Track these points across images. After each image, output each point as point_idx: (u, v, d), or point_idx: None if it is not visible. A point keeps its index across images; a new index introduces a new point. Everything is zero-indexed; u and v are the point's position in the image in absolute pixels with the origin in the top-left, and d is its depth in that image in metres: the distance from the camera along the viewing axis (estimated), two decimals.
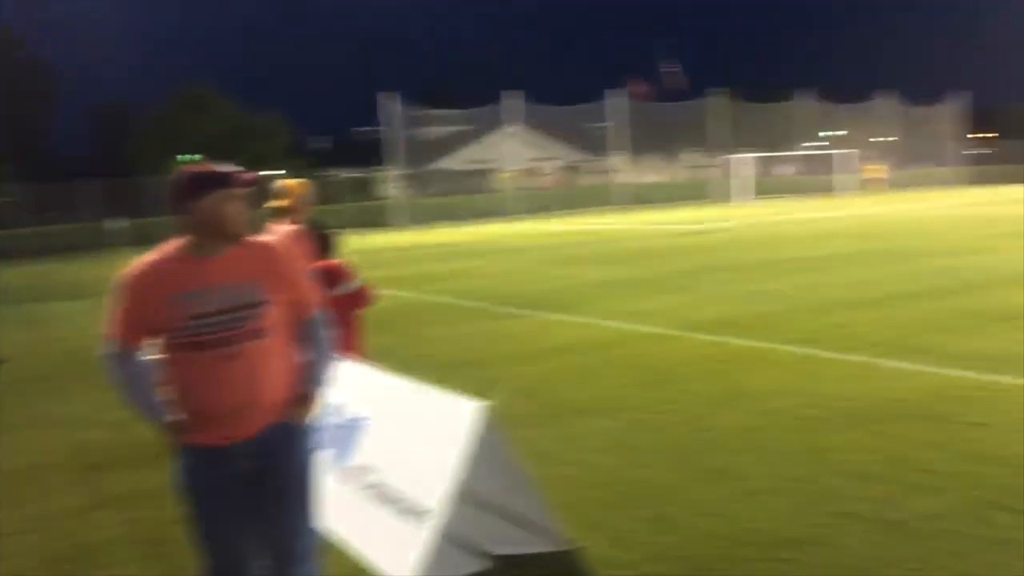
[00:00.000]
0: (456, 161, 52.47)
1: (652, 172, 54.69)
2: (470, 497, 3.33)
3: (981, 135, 73.61)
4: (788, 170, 58.56)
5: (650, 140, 50.20)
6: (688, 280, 12.63)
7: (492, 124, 46.46)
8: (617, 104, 47.24)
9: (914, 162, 59.12)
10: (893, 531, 3.55)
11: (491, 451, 3.30)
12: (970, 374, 6.05)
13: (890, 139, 58.89)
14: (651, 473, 4.48)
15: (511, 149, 47.11)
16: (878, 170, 54.70)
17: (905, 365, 6.45)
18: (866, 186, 53.05)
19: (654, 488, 4.26)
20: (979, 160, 65.69)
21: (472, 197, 43.17)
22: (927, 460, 4.36)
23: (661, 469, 4.52)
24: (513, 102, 42.90)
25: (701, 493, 4.14)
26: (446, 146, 51.67)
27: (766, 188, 50.21)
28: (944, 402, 5.42)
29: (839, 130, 59.93)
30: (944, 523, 3.59)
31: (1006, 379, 5.86)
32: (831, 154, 54.95)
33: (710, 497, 4.07)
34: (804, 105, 55.39)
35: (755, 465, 4.47)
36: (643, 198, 45.66)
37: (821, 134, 60.50)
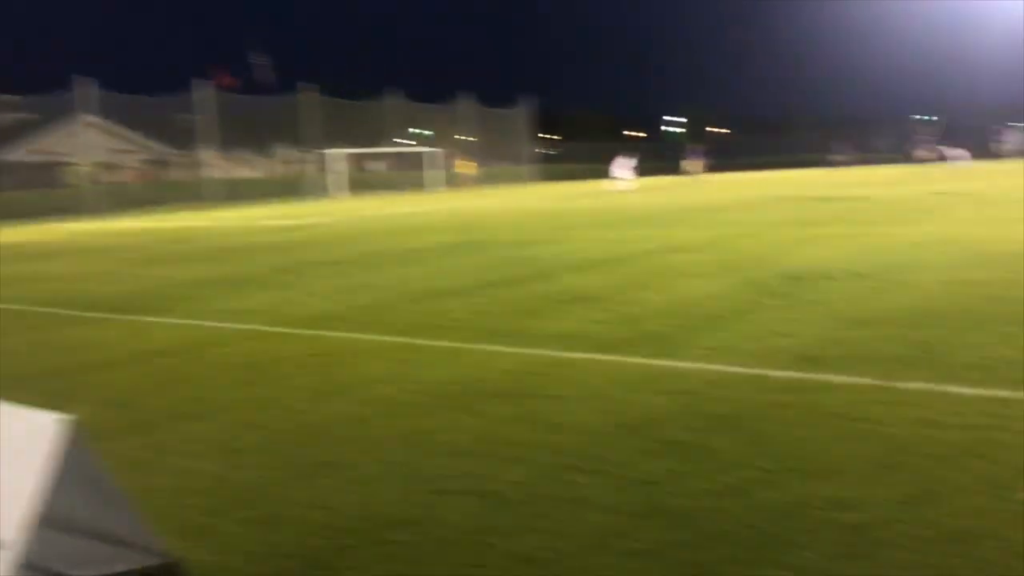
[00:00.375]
0: (20, 152, 47.03)
1: (245, 167, 53.29)
2: (53, 520, 3.02)
3: (549, 136, 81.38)
4: (380, 166, 60.27)
5: (242, 134, 48.88)
6: (287, 276, 12.52)
7: (63, 113, 42.40)
8: (205, 96, 45.45)
9: (494, 160, 63.71)
10: (488, 501, 3.82)
11: (76, 467, 3.02)
12: (547, 352, 6.68)
13: (471, 139, 62.95)
14: (256, 473, 4.38)
15: (87, 140, 43.31)
16: (470, 167, 58.29)
17: (493, 348, 6.95)
18: (458, 182, 56.13)
19: (260, 488, 4.18)
20: (548, 159, 72.64)
21: (42, 192, 39.02)
22: (514, 433, 4.74)
23: (267, 468, 4.45)
24: (87, 89, 39.45)
25: (309, 487, 4.13)
26: (6, 135, 46.06)
27: (361, 184, 51.12)
28: (527, 379, 5.92)
29: (426, 129, 62.84)
30: (531, 489, 3.93)
31: (577, 355, 6.54)
32: (421, 152, 57.40)
33: (318, 490, 4.08)
34: (393, 104, 57.20)
35: (360, 453, 4.56)
36: (237, 194, 44.39)
37: (410, 131, 62.97)
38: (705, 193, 34.29)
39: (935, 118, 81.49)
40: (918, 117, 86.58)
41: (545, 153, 74.79)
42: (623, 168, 42.27)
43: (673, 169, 58.54)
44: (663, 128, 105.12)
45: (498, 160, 63.95)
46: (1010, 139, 58.82)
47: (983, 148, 58.98)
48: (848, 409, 4.83)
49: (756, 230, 16.17)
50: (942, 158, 49.51)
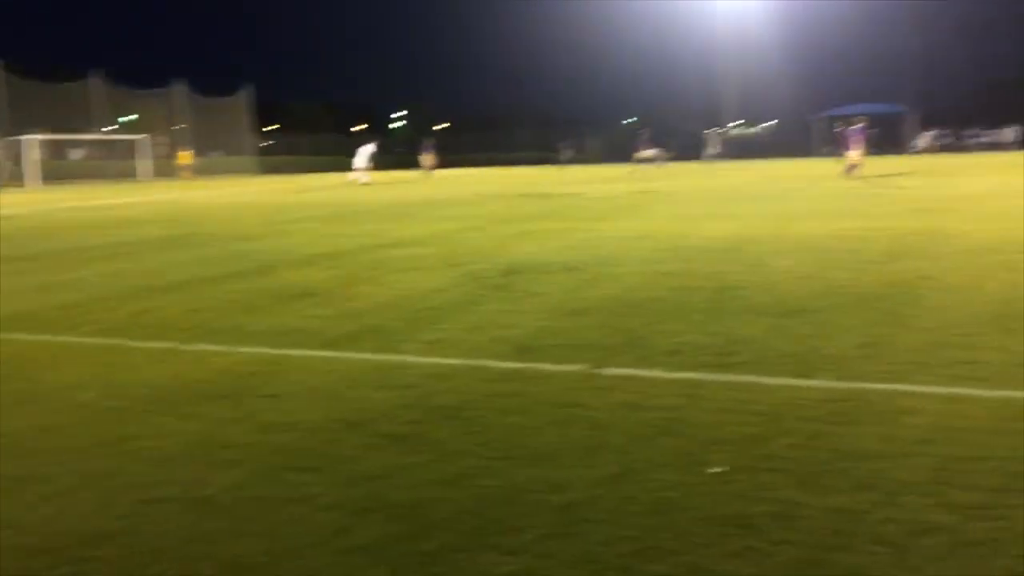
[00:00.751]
0: None
1: None
2: None
3: (269, 128, 79.20)
4: (84, 155, 55.85)
5: None
6: None
7: None
8: None
9: (213, 150, 61.06)
10: (201, 507, 3.63)
11: None
12: (266, 350, 6.47)
13: (187, 127, 59.98)
14: None
15: None
16: (186, 157, 55.45)
17: (207, 347, 6.62)
18: (174, 172, 53.27)
19: None
20: (268, 151, 70.66)
21: None
22: (228, 435, 4.54)
23: None
24: None
25: None
26: None
27: (61, 173, 47.25)
28: (244, 379, 5.70)
29: (134, 115, 59.13)
30: (247, 491, 3.78)
31: (297, 352, 6.39)
32: (129, 139, 53.92)
33: (2, 508, 3.69)
34: (96, 87, 53.24)
35: (54, 465, 4.18)
36: None
37: (120, 119, 59.04)
38: (432, 188, 34.79)
39: (637, 120, 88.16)
40: (628, 120, 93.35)
41: (266, 144, 72.63)
42: (362, 160, 41.76)
43: (401, 163, 58.88)
44: (390, 125, 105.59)
45: (217, 150, 61.28)
46: (711, 142, 64.71)
47: (696, 151, 64.44)
48: (560, 395, 5.08)
49: (478, 224, 16.63)
50: (651, 159, 53.53)
